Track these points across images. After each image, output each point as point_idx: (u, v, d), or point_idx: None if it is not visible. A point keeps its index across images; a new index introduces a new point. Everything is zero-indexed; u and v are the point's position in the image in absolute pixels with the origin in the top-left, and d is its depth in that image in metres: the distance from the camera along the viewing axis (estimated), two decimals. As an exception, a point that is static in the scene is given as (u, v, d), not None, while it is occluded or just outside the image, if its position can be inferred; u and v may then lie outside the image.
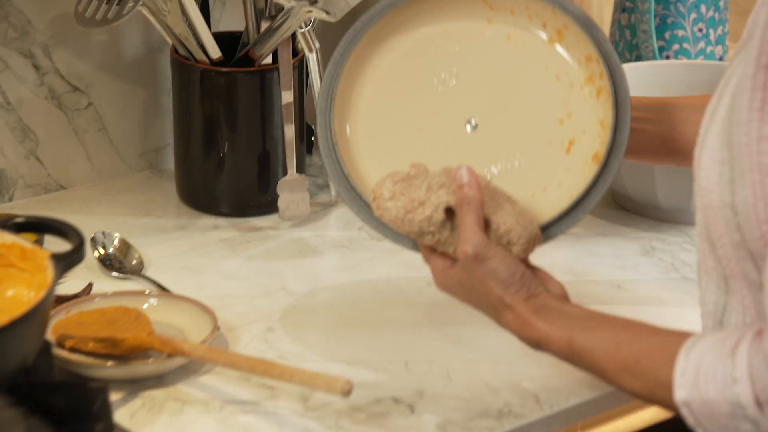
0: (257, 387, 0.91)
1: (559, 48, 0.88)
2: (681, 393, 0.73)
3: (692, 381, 0.73)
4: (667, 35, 1.44)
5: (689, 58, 1.45)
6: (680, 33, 1.44)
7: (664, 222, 1.19)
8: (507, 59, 0.89)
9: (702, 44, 1.45)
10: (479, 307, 0.86)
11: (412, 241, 0.87)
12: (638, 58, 1.45)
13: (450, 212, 0.84)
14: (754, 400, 0.70)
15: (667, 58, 1.45)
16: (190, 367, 0.93)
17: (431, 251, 0.86)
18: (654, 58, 1.43)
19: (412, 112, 0.89)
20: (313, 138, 1.26)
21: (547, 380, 0.93)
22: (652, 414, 0.99)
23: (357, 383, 0.92)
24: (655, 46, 1.44)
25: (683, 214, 1.19)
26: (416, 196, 0.83)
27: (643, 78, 1.31)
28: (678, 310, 1.02)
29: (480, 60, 0.89)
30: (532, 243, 0.85)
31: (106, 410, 0.83)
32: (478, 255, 0.82)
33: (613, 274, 1.08)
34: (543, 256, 0.92)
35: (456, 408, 0.90)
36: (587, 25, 0.87)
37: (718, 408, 0.71)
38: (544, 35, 0.89)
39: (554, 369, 0.94)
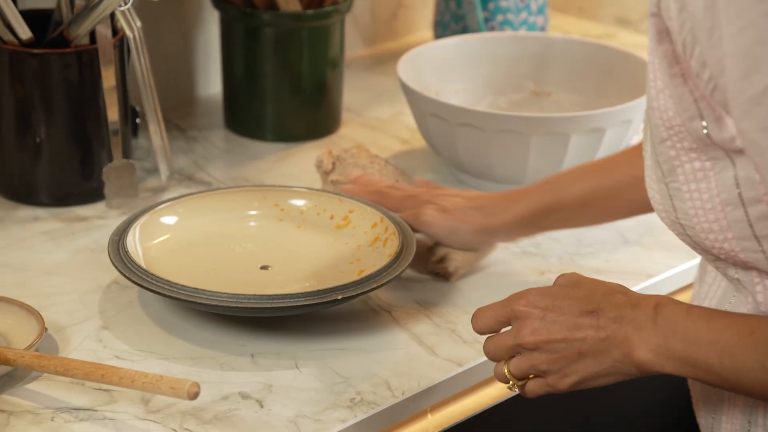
0: (93, 391, 0.86)
1: (346, 230, 1.03)
2: None
3: None
4: (491, 6, 1.45)
5: (513, 28, 1.46)
6: (503, 4, 1.45)
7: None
8: (297, 240, 1.03)
9: (524, 15, 1.47)
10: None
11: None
12: (464, 29, 1.45)
13: None
14: None
15: (492, 29, 1.46)
16: (15, 375, 0.87)
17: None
18: (479, 29, 1.44)
19: (208, 259, 1.00)
20: (138, 120, 1.19)
21: (397, 365, 0.92)
22: (498, 391, 0.99)
23: (202, 381, 0.88)
24: (480, 17, 1.44)
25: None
26: None
27: (473, 51, 1.30)
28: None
29: (274, 240, 1.03)
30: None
31: None
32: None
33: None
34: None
35: (307, 400, 0.87)
36: (371, 204, 1.03)
37: None
38: (332, 224, 1.03)
39: (402, 353, 0.93)
